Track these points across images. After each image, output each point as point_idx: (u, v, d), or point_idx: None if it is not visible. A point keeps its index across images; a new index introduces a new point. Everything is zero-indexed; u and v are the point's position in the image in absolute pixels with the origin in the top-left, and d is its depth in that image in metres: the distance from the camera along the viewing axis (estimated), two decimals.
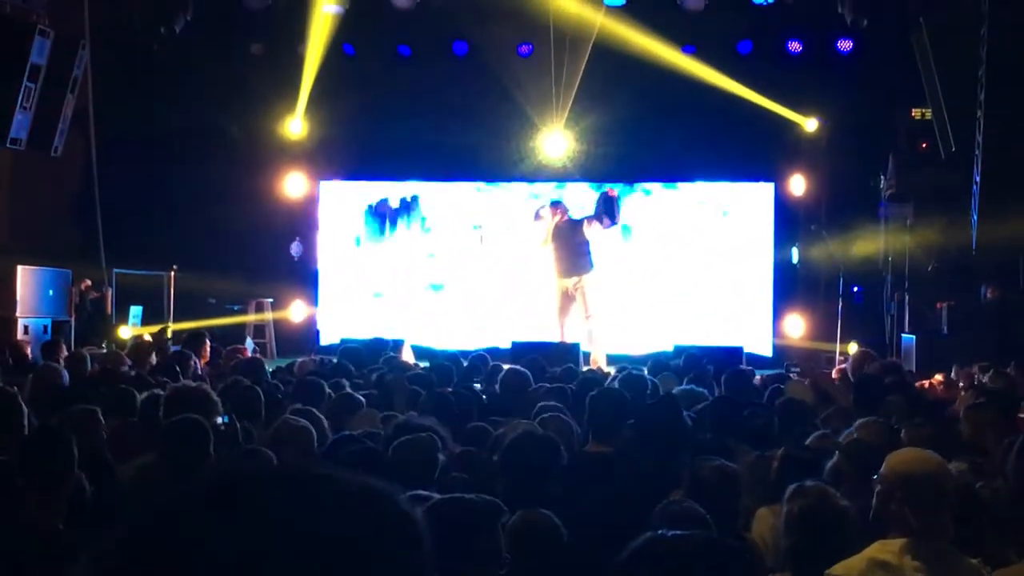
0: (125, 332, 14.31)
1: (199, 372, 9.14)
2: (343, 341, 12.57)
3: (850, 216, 14.88)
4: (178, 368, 8.64)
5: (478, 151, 15.99)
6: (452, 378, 8.66)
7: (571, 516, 3.92)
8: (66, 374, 7.66)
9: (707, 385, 8.13)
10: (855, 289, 15.42)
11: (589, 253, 13.62)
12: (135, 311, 15.13)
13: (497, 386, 8.14)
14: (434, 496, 3.44)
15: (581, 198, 15.60)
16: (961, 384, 9.22)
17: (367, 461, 4.41)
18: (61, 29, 13.77)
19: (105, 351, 11.79)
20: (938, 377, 9.63)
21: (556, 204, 13.94)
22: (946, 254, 13.65)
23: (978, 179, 12.40)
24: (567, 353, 12.02)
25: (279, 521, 1.02)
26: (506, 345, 13.07)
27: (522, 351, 11.62)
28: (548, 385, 7.72)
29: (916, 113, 14.62)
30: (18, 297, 13.74)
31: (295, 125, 16.57)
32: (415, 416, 5.68)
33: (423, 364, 10.55)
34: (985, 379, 8.77)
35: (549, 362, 9.83)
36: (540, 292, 14.45)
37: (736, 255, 16.15)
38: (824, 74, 15.52)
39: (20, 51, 13.19)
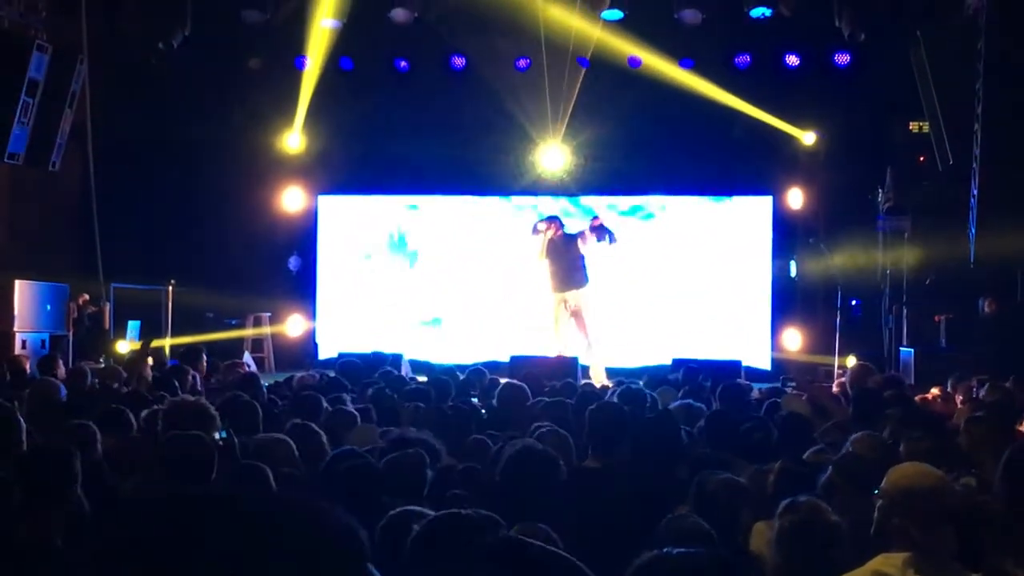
0: (123, 347, 14.28)
1: (198, 387, 9.11)
2: (341, 355, 12.54)
3: (848, 229, 14.88)
4: (176, 382, 8.61)
5: (476, 165, 16.01)
6: (450, 392, 8.63)
7: (570, 531, 3.90)
8: (64, 389, 7.64)
9: (704, 399, 8.11)
10: (853, 302, 15.40)
11: (584, 268, 13.57)
12: (133, 326, 15.11)
13: (495, 400, 8.12)
14: (426, 512, 3.42)
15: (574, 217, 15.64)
16: (959, 397, 9.19)
17: (364, 475, 4.40)
18: (59, 44, 13.79)
19: (103, 366, 11.77)
20: (935, 391, 9.60)
21: (552, 219, 13.91)
22: (944, 267, 13.64)
23: (976, 192, 12.41)
24: (566, 367, 12.01)
25: (226, 542, 1.12)
26: (504, 359, 13.06)
27: (520, 365, 11.61)
28: (547, 399, 7.66)
29: (914, 126, 14.66)
30: (16, 312, 13.73)
31: (293, 139, 16.57)
32: (411, 431, 5.66)
33: (421, 378, 10.53)
34: (983, 392, 8.76)
35: (548, 376, 9.81)
36: (538, 305, 14.42)
37: (734, 268, 16.16)
38: (822, 88, 15.52)
39: (18, 66, 13.22)
